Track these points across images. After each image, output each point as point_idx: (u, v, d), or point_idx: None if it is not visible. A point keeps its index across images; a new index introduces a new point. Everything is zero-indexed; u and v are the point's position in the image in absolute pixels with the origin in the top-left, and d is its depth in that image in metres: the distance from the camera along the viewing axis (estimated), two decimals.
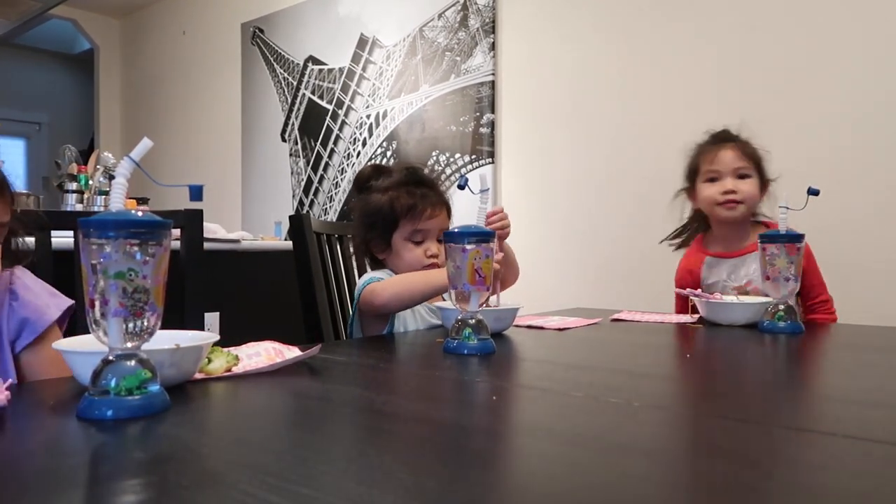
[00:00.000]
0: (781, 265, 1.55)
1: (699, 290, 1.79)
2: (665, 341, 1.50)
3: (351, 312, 1.70)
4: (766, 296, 1.63)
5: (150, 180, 0.77)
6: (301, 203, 4.55)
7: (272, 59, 4.79)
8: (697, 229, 2.07)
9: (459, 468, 0.59)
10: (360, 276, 1.95)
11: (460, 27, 3.72)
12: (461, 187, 1.43)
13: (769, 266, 1.57)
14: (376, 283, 1.62)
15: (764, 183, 1.94)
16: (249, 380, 0.93)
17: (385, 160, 4.03)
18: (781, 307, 1.55)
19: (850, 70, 2.52)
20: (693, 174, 2.01)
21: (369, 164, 1.88)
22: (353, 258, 1.98)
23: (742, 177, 1.91)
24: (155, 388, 0.74)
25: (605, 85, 3.18)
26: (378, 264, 1.81)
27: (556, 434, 0.71)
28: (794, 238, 1.55)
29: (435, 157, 3.79)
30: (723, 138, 1.98)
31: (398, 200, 1.73)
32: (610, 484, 0.56)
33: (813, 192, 1.61)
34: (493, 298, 1.51)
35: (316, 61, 4.49)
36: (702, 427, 0.76)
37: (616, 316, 1.83)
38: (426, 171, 1.91)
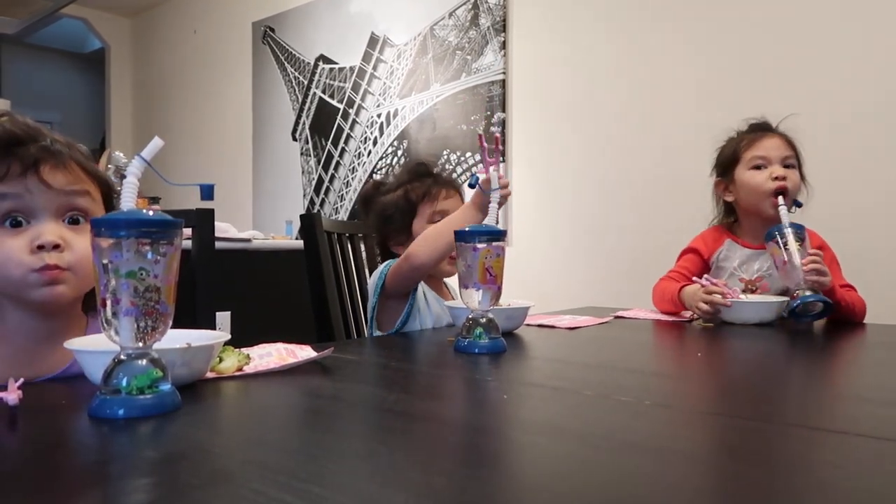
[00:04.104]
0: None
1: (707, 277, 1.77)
2: (676, 340, 1.49)
3: (374, 300, 1.68)
4: (780, 294, 1.70)
5: (162, 179, 0.78)
6: (312, 202, 4.56)
7: (283, 58, 4.80)
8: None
9: (470, 467, 0.59)
10: (370, 275, 1.95)
11: (471, 26, 3.72)
12: (472, 186, 1.43)
13: (779, 256, 1.65)
14: (402, 257, 1.62)
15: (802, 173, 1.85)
16: (260, 379, 0.93)
17: (396, 159, 4.04)
18: (802, 288, 1.60)
19: (862, 67, 2.51)
20: (730, 164, 1.87)
21: (370, 181, 1.90)
22: (365, 259, 1.99)
23: (788, 166, 1.79)
24: (166, 387, 0.74)
25: (617, 84, 3.17)
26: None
27: (566, 433, 0.70)
28: (797, 228, 1.65)
29: (446, 156, 3.79)
30: (764, 127, 1.87)
31: (412, 191, 1.77)
32: (620, 483, 0.55)
33: (797, 205, 1.78)
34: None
35: (327, 60, 4.50)
36: (713, 426, 0.75)
37: (620, 313, 1.82)
38: (435, 169, 1.90)
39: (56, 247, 0.96)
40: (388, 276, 1.64)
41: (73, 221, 1.00)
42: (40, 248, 0.95)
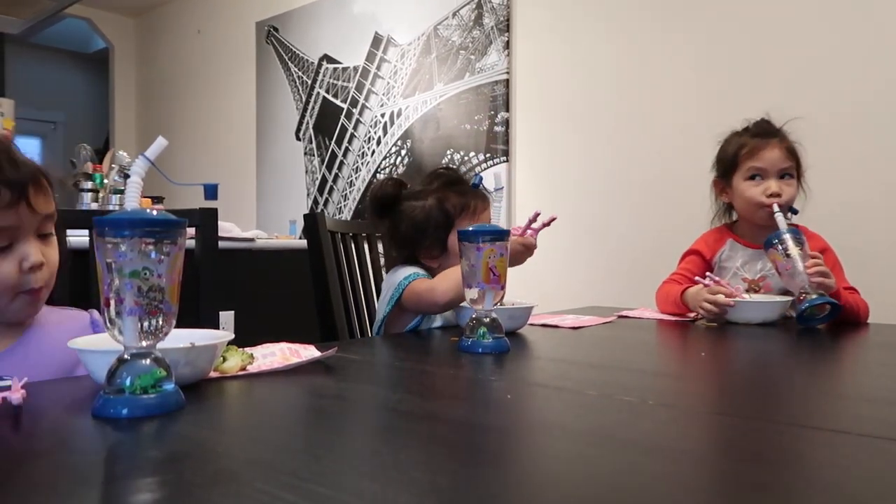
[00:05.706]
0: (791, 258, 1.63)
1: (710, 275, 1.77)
2: (680, 340, 1.49)
3: (386, 308, 1.64)
4: (783, 293, 1.70)
5: (165, 179, 0.78)
6: (316, 202, 4.56)
7: (287, 58, 4.80)
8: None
9: (474, 466, 0.59)
10: (374, 275, 1.95)
11: (475, 25, 3.71)
12: (475, 186, 1.43)
13: (781, 263, 1.64)
14: (427, 283, 1.58)
15: (799, 181, 1.85)
16: (264, 378, 0.93)
17: (399, 158, 4.04)
18: (807, 291, 1.59)
19: (862, 67, 2.51)
20: (729, 168, 1.87)
21: (387, 180, 1.79)
22: (369, 259, 1.98)
23: (784, 177, 1.81)
24: (170, 386, 0.74)
25: (620, 84, 3.16)
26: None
27: (570, 432, 0.70)
28: (794, 232, 1.65)
29: (449, 156, 3.79)
30: (766, 132, 1.85)
31: (448, 201, 1.66)
32: (624, 482, 0.55)
33: (793, 212, 1.80)
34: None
35: (330, 60, 4.50)
36: (716, 425, 0.75)
37: (624, 313, 1.82)
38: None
39: (41, 265, 1.00)
40: (405, 295, 1.60)
41: (42, 235, 1.04)
42: (29, 269, 0.99)
